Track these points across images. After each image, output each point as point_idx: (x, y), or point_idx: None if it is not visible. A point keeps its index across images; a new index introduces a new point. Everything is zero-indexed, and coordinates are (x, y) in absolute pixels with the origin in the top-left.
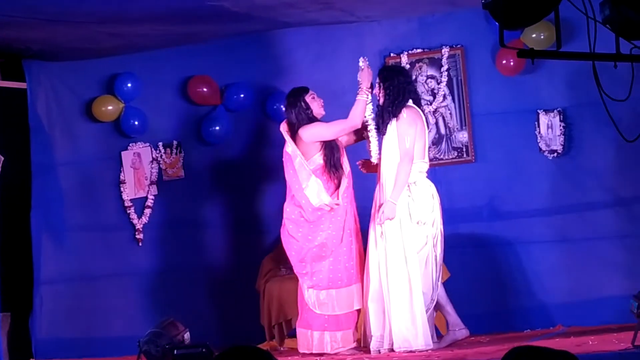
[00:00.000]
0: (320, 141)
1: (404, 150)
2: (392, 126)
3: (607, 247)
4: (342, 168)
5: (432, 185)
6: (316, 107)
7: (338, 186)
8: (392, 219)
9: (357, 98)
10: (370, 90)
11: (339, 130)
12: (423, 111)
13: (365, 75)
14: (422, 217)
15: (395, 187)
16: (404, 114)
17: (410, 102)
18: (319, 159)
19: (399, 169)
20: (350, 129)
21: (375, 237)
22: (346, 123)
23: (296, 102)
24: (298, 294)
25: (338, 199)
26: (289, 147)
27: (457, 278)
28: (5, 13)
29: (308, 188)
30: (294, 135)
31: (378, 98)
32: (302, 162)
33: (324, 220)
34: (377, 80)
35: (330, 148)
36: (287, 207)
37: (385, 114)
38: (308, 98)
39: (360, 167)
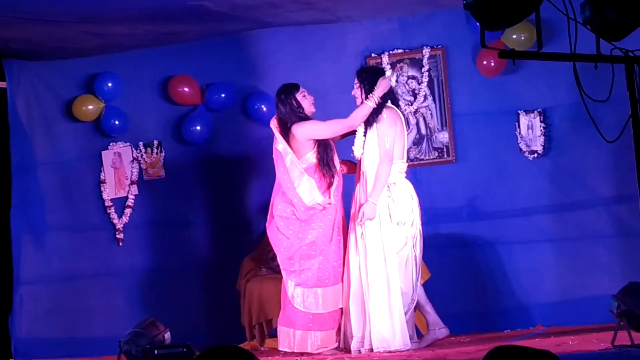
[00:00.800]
0: (314, 139)
1: (384, 151)
2: (372, 127)
3: (587, 248)
4: (334, 167)
5: (411, 185)
6: (307, 105)
7: (330, 185)
8: (372, 219)
9: (365, 102)
10: (380, 99)
11: (337, 130)
12: (402, 112)
13: (384, 84)
14: (401, 217)
15: (375, 187)
16: (384, 114)
17: (389, 103)
18: (312, 157)
19: (379, 169)
20: (347, 129)
21: (355, 238)
22: (345, 123)
23: (287, 100)
24: (281, 292)
25: (330, 197)
26: (280, 144)
27: (437, 278)
28: None
29: (300, 187)
30: (285, 132)
31: (357, 99)
32: (293, 160)
33: (315, 218)
34: (356, 81)
35: (324, 146)
36: (278, 204)
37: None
38: (299, 96)
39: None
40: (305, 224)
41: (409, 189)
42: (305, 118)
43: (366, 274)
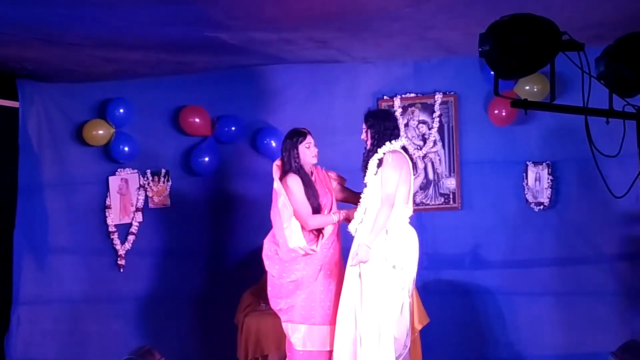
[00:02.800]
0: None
1: (386, 195)
2: (377, 170)
3: (588, 303)
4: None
5: (414, 232)
6: (308, 156)
7: (319, 234)
8: (365, 262)
9: (331, 215)
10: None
11: (306, 221)
12: (411, 157)
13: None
14: (398, 262)
15: (371, 231)
16: (389, 158)
17: (398, 147)
18: None
19: (378, 213)
20: (314, 227)
21: (351, 278)
22: (314, 221)
23: (289, 147)
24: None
25: (317, 246)
26: (275, 183)
27: (436, 324)
28: (1, 31)
29: (288, 228)
30: (284, 174)
31: (365, 142)
32: (285, 202)
33: (299, 260)
34: (364, 125)
35: (313, 197)
36: (266, 244)
37: (371, 158)
38: (302, 146)
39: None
40: (288, 264)
41: (410, 234)
42: (300, 168)
43: (360, 316)
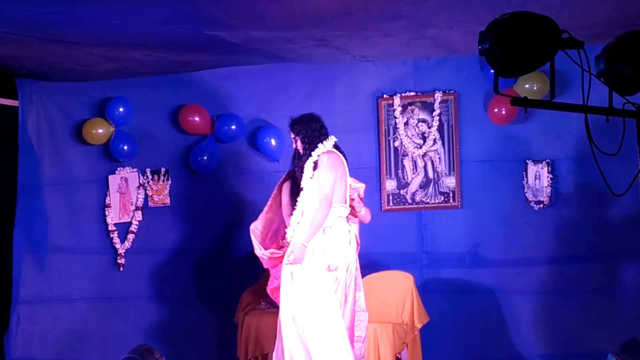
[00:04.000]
0: None
1: (324, 196)
2: (314, 172)
3: (588, 301)
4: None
5: (352, 230)
6: None
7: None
8: (300, 261)
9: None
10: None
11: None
12: (344, 153)
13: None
14: (333, 262)
15: (308, 230)
16: (324, 159)
17: (330, 147)
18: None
19: (315, 213)
20: None
21: (285, 277)
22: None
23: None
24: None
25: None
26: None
27: (435, 323)
28: (0, 30)
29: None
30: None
31: (297, 150)
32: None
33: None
34: (292, 134)
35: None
36: None
37: (305, 161)
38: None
39: None
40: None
41: (346, 234)
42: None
43: (298, 316)
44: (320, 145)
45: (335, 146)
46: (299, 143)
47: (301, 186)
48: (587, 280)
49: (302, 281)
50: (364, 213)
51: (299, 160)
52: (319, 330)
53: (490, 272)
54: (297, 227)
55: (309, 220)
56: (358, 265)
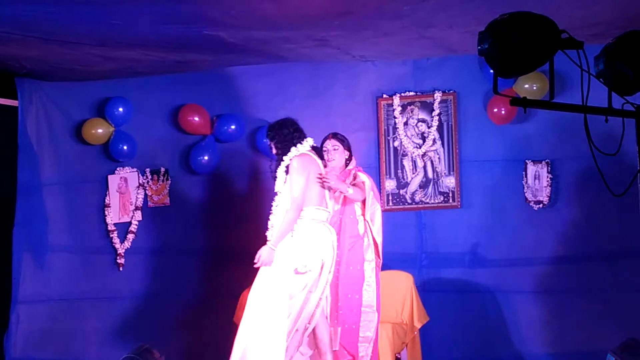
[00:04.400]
0: None
1: (292, 199)
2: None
3: (587, 301)
4: None
5: (331, 233)
6: None
7: None
8: (268, 264)
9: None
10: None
11: None
12: (322, 155)
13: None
14: (301, 265)
15: (277, 232)
16: (295, 163)
17: (305, 149)
18: None
19: (285, 215)
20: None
21: (257, 279)
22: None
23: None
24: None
25: None
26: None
27: (435, 323)
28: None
29: None
30: None
31: (275, 154)
32: None
33: None
34: (267, 141)
35: None
36: None
37: (278, 167)
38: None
39: None
40: None
41: (322, 236)
42: None
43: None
44: (293, 149)
45: (314, 148)
46: (273, 148)
47: (275, 190)
48: (586, 280)
49: (268, 282)
50: (353, 192)
51: (275, 166)
52: (261, 330)
53: (490, 272)
54: (271, 230)
55: (278, 223)
56: (373, 265)
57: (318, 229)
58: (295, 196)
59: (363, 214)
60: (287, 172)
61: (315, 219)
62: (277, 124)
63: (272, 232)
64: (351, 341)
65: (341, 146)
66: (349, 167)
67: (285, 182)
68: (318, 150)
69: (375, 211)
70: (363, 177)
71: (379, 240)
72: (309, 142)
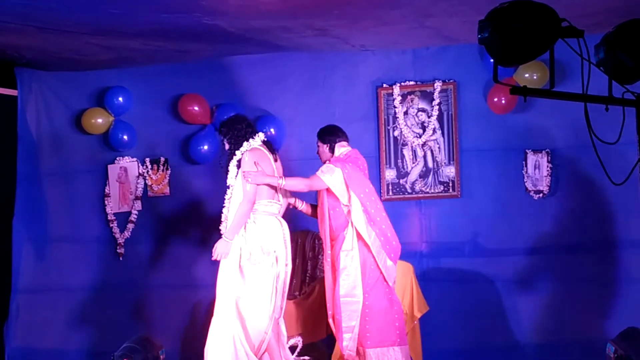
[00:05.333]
0: None
1: (245, 192)
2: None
3: (586, 290)
4: None
5: (282, 225)
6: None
7: None
8: (225, 255)
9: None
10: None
11: None
12: (273, 150)
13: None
14: (255, 256)
15: (231, 225)
16: (246, 157)
17: (257, 144)
18: None
19: (238, 208)
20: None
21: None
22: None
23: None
24: None
25: None
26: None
27: (435, 312)
28: None
29: None
30: None
31: (227, 149)
32: None
33: None
34: (221, 137)
35: None
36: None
37: (230, 161)
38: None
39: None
40: None
41: (269, 228)
42: None
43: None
44: (245, 143)
45: (265, 142)
46: (226, 144)
47: (227, 184)
48: (586, 269)
49: (225, 273)
50: (286, 183)
51: (227, 161)
52: (215, 320)
53: (490, 262)
54: (224, 223)
55: (232, 216)
56: (353, 254)
57: (269, 222)
58: (247, 190)
59: (348, 204)
60: (238, 166)
61: (266, 212)
62: (229, 120)
63: (226, 225)
64: (337, 332)
65: (320, 142)
66: (334, 157)
67: (237, 176)
68: (269, 145)
69: (351, 201)
70: (322, 169)
71: (360, 228)
72: (260, 137)
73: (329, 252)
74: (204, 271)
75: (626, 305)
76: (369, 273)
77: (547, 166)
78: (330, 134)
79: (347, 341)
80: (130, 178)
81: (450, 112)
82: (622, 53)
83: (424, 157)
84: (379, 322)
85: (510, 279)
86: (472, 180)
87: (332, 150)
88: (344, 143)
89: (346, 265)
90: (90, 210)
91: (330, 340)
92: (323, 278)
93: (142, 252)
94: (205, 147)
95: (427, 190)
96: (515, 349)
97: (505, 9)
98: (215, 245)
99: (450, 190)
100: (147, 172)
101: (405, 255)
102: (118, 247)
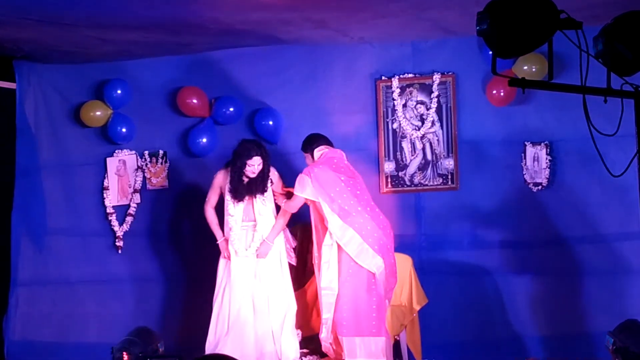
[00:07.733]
0: None
1: (288, 205)
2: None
3: (585, 283)
4: None
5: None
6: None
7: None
8: (265, 256)
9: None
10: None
11: None
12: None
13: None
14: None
15: (273, 231)
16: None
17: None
18: None
19: (280, 218)
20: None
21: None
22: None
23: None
24: None
25: None
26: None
27: (434, 305)
28: None
29: None
30: None
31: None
32: None
33: None
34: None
35: None
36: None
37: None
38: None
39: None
40: None
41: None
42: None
43: None
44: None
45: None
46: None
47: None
48: (584, 261)
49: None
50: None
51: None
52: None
53: (489, 254)
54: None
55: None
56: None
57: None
58: (292, 204)
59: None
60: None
61: None
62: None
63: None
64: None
65: (304, 153)
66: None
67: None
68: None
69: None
70: (296, 184)
71: (333, 230)
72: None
73: (316, 246)
74: (202, 264)
75: (625, 297)
76: (346, 264)
77: (546, 158)
78: (309, 143)
79: (323, 333)
80: (129, 171)
81: (449, 105)
82: (621, 45)
83: (423, 149)
84: (354, 311)
85: (509, 271)
86: (471, 173)
87: (313, 157)
88: (322, 147)
89: (328, 259)
90: (89, 203)
91: None
92: None
93: (141, 245)
94: (204, 140)
95: (426, 182)
96: (515, 341)
97: (503, 1)
98: (260, 246)
99: (449, 182)
100: (146, 165)
101: (404, 248)
102: (117, 240)
